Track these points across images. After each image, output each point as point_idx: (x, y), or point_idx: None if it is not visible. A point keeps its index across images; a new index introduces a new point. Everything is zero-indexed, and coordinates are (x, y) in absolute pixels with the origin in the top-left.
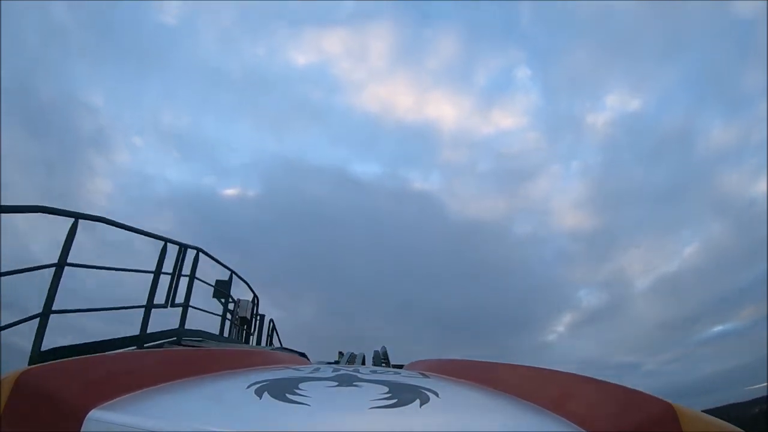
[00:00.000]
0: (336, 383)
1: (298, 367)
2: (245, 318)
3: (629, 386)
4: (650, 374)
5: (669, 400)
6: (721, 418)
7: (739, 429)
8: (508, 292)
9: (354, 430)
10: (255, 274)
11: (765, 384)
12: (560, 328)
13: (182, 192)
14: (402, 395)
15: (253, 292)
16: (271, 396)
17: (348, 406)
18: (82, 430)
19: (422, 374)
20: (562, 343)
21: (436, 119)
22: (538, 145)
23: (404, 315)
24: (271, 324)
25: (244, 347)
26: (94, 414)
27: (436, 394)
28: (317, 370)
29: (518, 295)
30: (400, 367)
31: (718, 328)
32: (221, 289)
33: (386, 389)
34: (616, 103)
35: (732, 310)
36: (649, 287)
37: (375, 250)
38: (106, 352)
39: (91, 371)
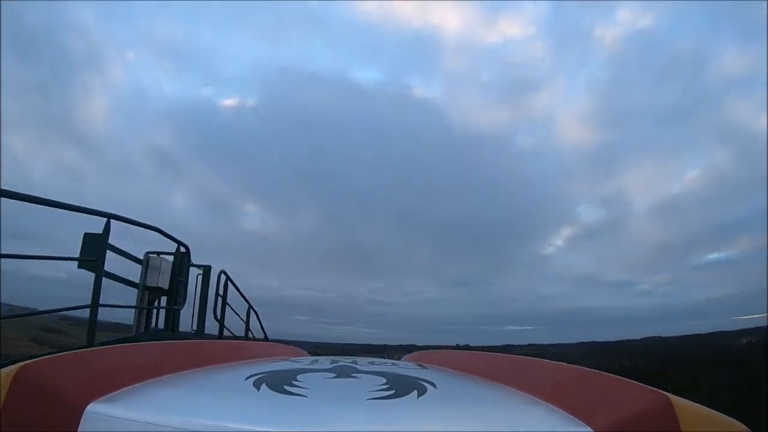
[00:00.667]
0: (334, 375)
1: (295, 359)
2: (161, 289)
3: (627, 379)
4: (644, 294)
5: (665, 392)
6: (710, 346)
7: (734, 420)
8: (507, 205)
9: (352, 421)
10: (255, 187)
11: (755, 315)
12: (559, 242)
13: (180, 105)
14: (399, 386)
15: (177, 241)
16: (269, 388)
17: (346, 397)
18: (81, 423)
19: (420, 365)
20: (560, 257)
21: (439, 26)
22: (544, 57)
23: (404, 225)
24: (225, 285)
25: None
26: (93, 407)
27: (434, 385)
28: (315, 361)
29: (518, 209)
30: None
31: (713, 255)
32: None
33: (384, 380)
34: (627, 19)
35: (728, 239)
36: (649, 208)
37: (375, 159)
38: (105, 346)
39: (90, 365)
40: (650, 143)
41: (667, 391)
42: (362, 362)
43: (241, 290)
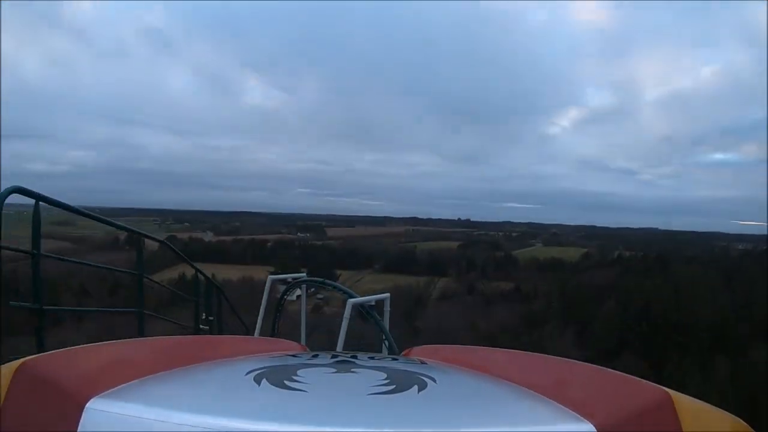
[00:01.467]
0: (334, 370)
1: (296, 353)
2: None
3: (626, 374)
4: (646, 184)
5: (666, 388)
6: (710, 248)
7: (734, 416)
8: (514, 82)
9: (353, 416)
10: (255, 61)
11: (754, 222)
12: (564, 123)
13: None
14: (400, 381)
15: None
16: (270, 383)
17: (346, 392)
18: (82, 418)
19: (420, 361)
20: (565, 138)
21: None
22: None
23: (408, 98)
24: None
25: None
26: (95, 402)
27: (434, 380)
28: (315, 356)
29: (525, 86)
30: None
31: (719, 155)
32: None
33: (384, 375)
34: None
35: (735, 142)
36: (659, 99)
37: (380, 29)
38: (105, 342)
39: (91, 360)
40: (668, 32)
41: (669, 287)
42: (362, 357)
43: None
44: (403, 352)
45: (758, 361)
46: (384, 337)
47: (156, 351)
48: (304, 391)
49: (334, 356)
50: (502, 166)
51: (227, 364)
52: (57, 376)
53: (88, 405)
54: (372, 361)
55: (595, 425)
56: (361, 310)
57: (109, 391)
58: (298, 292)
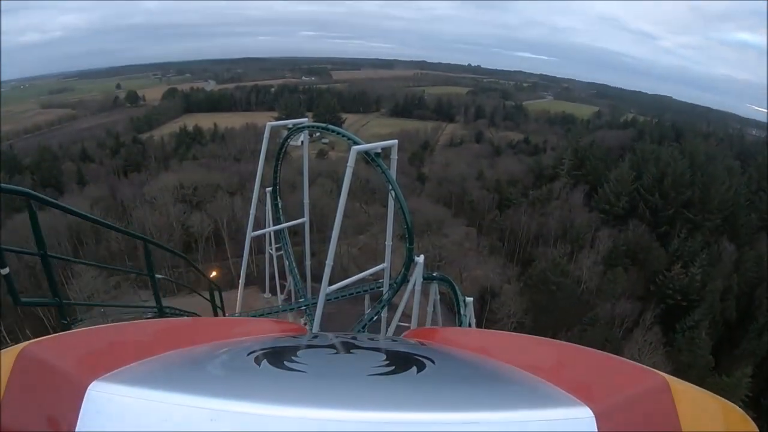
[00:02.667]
0: (334, 351)
1: (296, 335)
2: None
3: (626, 359)
4: (665, 51)
5: (663, 374)
6: (725, 128)
7: (730, 402)
8: None
9: (352, 396)
10: None
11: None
12: None
13: None
14: (399, 363)
15: None
16: (270, 364)
17: (346, 373)
18: (84, 401)
19: (420, 342)
20: None
21: None
22: None
23: None
24: None
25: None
26: (96, 385)
27: (433, 362)
28: (315, 338)
29: None
30: None
31: (744, 35)
32: None
33: (384, 356)
34: None
35: (763, 25)
36: None
37: None
38: (106, 324)
39: (92, 343)
40: None
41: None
42: (362, 338)
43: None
44: (403, 334)
45: (762, 252)
46: (390, 187)
47: (156, 332)
48: (303, 372)
49: (335, 336)
50: (518, 12)
51: (229, 345)
52: (58, 360)
53: (89, 387)
54: (372, 342)
55: (592, 409)
56: (366, 157)
57: (110, 373)
58: (302, 137)
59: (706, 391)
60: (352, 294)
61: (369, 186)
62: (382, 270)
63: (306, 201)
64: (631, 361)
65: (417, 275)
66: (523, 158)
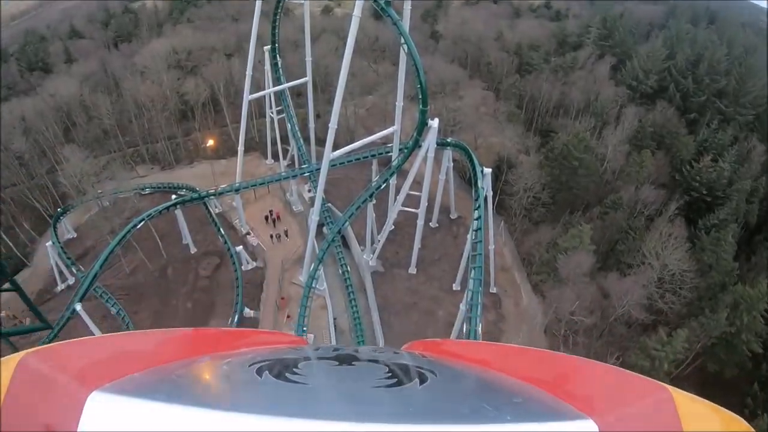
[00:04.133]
0: (336, 363)
1: (297, 347)
2: None
3: (629, 371)
4: None
5: (667, 386)
6: (753, 24)
7: (733, 414)
8: None
9: (353, 408)
10: None
11: None
12: None
13: None
14: (401, 375)
15: None
16: (272, 375)
17: (348, 385)
18: (83, 411)
19: (420, 355)
20: None
21: None
22: None
23: None
24: None
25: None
26: (95, 396)
27: (435, 374)
28: (317, 350)
29: None
30: None
31: None
32: None
33: (386, 369)
34: None
35: None
36: None
37: None
38: (104, 335)
39: (91, 353)
40: None
41: None
42: (364, 350)
43: None
44: (404, 347)
45: None
46: (402, 40)
47: (157, 343)
48: (305, 384)
49: (336, 349)
50: None
51: (229, 356)
52: (57, 370)
53: (89, 398)
54: (373, 354)
55: (596, 422)
56: (375, 6)
57: (110, 384)
58: None
59: (709, 402)
60: (359, 159)
61: (378, 44)
62: (392, 133)
63: (308, 59)
64: (635, 374)
65: (430, 140)
66: (545, 23)
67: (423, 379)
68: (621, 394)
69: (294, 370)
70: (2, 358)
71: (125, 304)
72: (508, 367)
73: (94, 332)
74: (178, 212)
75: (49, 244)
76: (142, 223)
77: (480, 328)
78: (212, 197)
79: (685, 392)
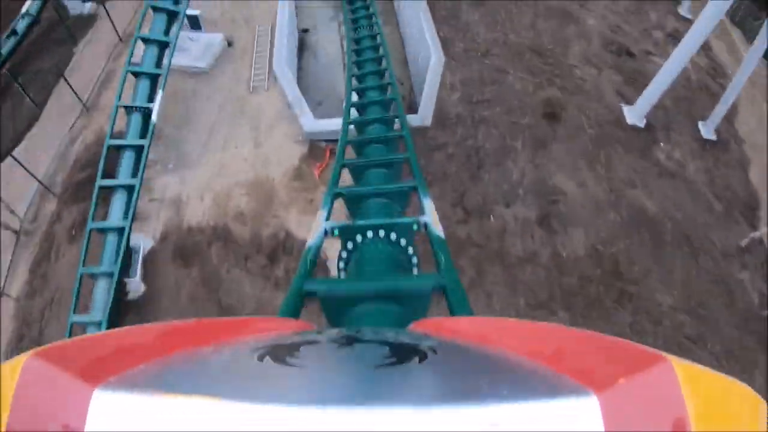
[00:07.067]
0: (337, 345)
1: (299, 332)
2: None
3: (629, 341)
4: None
5: (668, 355)
6: None
7: (738, 381)
8: None
9: (354, 390)
10: None
11: None
12: None
13: None
14: (401, 354)
15: None
16: (273, 360)
17: (348, 367)
18: (89, 408)
19: (422, 334)
20: None
21: None
22: None
23: None
24: None
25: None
26: (101, 391)
27: (435, 352)
28: (319, 333)
29: None
30: None
31: None
32: None
33: (386, 349)
34: None
35: None
36: None
37: None
38: (108, 330)
39: (95, 349)
40: None
41: None
42: (366, 331)
43: None
44: (408, 327)
45: None
46: None
47: (160, 335)
48: (306, 367)
49: (338, 332)
50: None
51: (231, 344)
52: (62, 368)
53: (94, 394)
54: (375, 335)
55: (597, 394)
56: None
57: (115, 378)
58: None
59: (713, 371)
60: None
61: None
62: None
63: None
64: (633, 343)
65: None
66: None
67: (422, 358)
68: (621, 364)
69: (296, 354)
70: (7, 361)
71: None
72: (508, 341)
73: None
74: None
75: None
76: None
77: None
78: None
79: (687, 361)
